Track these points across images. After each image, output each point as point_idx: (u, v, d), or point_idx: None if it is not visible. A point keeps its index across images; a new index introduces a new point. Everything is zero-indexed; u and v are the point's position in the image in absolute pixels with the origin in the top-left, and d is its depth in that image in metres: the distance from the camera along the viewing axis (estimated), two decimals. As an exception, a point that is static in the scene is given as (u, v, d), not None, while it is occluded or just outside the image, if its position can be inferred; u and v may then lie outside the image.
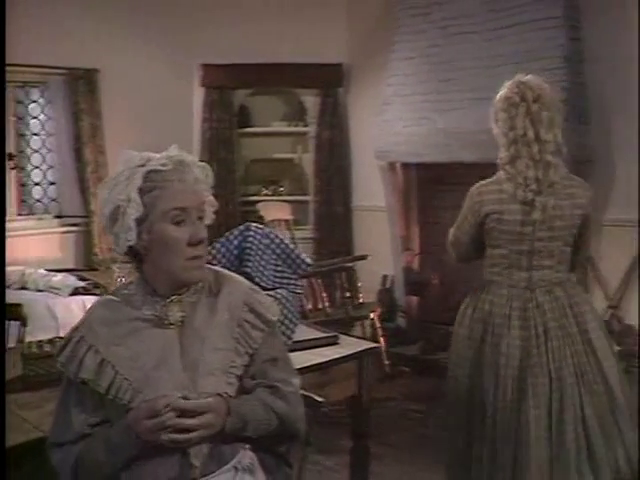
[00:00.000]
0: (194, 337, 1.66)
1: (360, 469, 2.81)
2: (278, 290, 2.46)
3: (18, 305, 3.18)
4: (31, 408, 2.17)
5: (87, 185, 5.22)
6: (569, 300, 2.54)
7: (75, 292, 4.48)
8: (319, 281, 4.68)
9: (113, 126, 5.35)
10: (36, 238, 5.12)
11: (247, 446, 1.72)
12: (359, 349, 2.70)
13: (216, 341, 1.66)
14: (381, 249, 5.69)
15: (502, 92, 2.57)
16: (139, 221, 1.60)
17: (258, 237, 2.54)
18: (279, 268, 2.54)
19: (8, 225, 5.08)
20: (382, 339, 4.79)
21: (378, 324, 4.86)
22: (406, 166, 5.47)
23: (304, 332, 2.73)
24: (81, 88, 5.17)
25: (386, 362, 4.77)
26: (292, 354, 2.53)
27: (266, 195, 6.00)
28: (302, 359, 2.49)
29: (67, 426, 1.65)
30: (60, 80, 5.20)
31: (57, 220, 5.29)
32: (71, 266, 5.12)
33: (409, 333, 5.48)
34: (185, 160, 1.67)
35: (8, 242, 4.86)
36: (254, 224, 2.58)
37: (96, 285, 4.55)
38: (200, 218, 1.67)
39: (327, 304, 4.62)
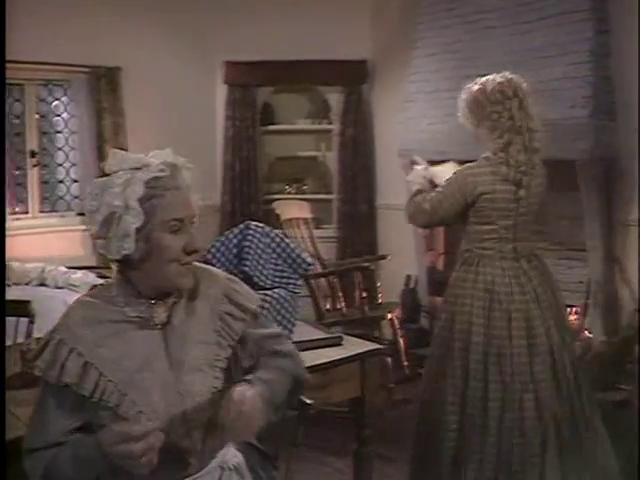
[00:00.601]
0: (178, 335, 1.66)
1: (364, 472, 2.75)
2: (276, 290, 2.41)
3: (27, 302, 3.17)
4: (27, 405, 2.16)
5: (109, 183, 5.21)
6: (544, 268, 2.92)
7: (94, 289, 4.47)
8: (335, 280, 4.62)
9: (135, 124, 5.35)
10: (58, 235, 5.15)
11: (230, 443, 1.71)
12: (362, 350, 2.64)
13: (199, 336, 1.67)
14: (405, 248, 5.60)
15: (492, 86, 2.90)
16: (136, 229, 1.58)
17: (258, 236, 2.50)
18: (279, 267, 2.49)
19: (29, 222, 5.15)
20: (401, 340, 4.70)
21: (397, 324, 4.76)
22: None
23: (307, 332, 2.68)
24: (103, 86, 5.19)
25: (405, 363, 4.68)
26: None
27: (289, 193, 5.96)
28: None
29: (42, 432, 1.61)
30: (83, 78, 5.22)
31: (79, 218, 5.31)
32: (93, 264, 5.14)
33: (432, 334, 5.38)
34: (177, 164, 1.65)
35: (27, 239, 4.92)
36: (254, 222, 2.54)
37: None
38: (192, 224, 1.67)
39: (343, 304, 4.55)
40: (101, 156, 5.22)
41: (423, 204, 2.91)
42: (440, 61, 5.04)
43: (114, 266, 1.71)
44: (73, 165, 5.39)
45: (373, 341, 4.14)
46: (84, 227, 5.30)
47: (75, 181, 5.43)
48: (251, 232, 2.48)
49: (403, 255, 5.59)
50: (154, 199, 1.58)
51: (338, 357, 2.57)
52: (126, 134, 5.30)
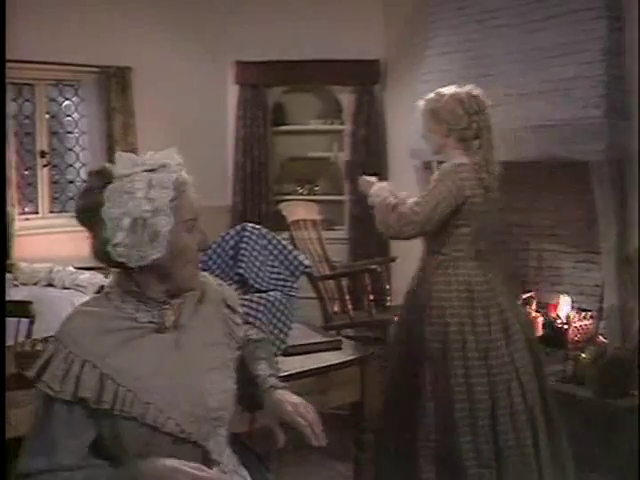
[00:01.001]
0: (190, 337, 1.64)
1: (365, 476, 2.70)
2: (271, 293, 2.36)
3: (28, 302, 3.17)
4: (22, 406, 2.14)
5: (119, 183, 5.20)
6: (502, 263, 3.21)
7: (100, 290, 4.46)
8: (343, 283, 4.56)
9: (146, 124, 5.34)
10: (68, 236, 5.13)
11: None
12: (360, 354, 2.59)
13: (212, 338, 1.68)
14: (418, 251, 5.52)
15: (468, 97, 3.00)
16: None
17: (254, 238, 2.45)
18: (275, 269, 2.45)
19: (39, 222, 5.15)
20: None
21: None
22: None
23: (305, 336, 2.64)
24: (113, 86, 5.18)
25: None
26: (290, 358, 2.47)
27: (301, 194, 5.92)
28: (300, 363, 2.43)
29: (49, 453, 1.50)
30: (93, 78, 5.23)
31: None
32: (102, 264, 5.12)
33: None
34: (181, 163, 1.62)
35: (37, 239, 4.92)
36: (250, 224, 2.49)
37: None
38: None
39: (351, 307, 4.49)
40: (111, 157, 5.19)
41: (412, 216, 2.90)
42: (452, 61, 4.96)
43: (116, 273, 1.62)
44: (83, 165, 5.38)
45: (380, 344, 4.13)
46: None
47: (85, 182, 5.40)
48: (247, 234, 2.44)
49: (415, 257, 5.51)
50: (176, 200, 1.56)
51: (337, 361, 2.52)
52: (136, 134, 5.29)
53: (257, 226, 2.49)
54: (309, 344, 2.54)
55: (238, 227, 2.48)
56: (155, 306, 1.60)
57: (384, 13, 5.73)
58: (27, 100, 5.13)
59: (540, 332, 4.92)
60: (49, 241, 4.97)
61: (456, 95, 3.01)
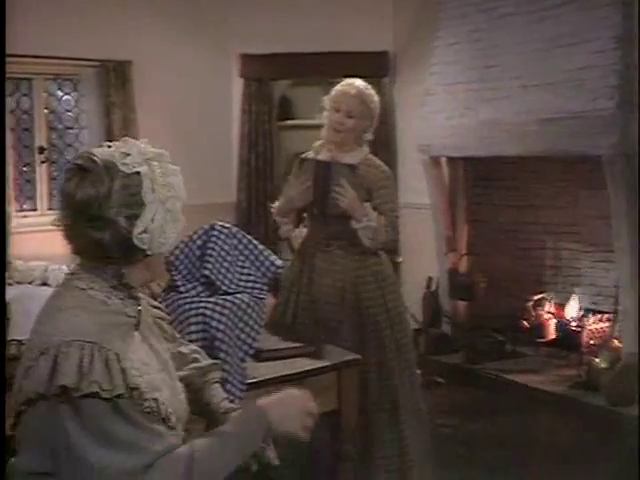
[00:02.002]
0: (152, 332, 1.62)
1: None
2: (237, 295, 2.21)
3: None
4: None
5: (117, 180, 5.11)
6: None
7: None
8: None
9: (147, 119, 5.21)
10: (66, 233, 5.05)
11: None
12: (337, 361, 2.43)
13: (157, 335, 1.66)
14: (428, 249, 5.36)
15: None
16: None
17: (222, 237, 2.31)
18: (245, 270, 2.30)
19: (37, 220, 5.06)
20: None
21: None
22: (452, 161, 5.13)
23: (278, 341, 2.49)
24: (113, 80, 5.06)
25: (417, 371, 4.41)
26: (262, 364, 2.32)
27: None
28: (271, 370, 2.31)
29: (137, 451, 1.38)
30: (92, 72, 5.12)
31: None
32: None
33: (454, 340, 5.13)
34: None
35: (36, 236, 4.82)
36: (220, 223, 2.34)
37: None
38: None
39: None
40: (110, 152, 5.12)
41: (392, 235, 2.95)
42: (460, 51, 4.80)
43: (93, 270, 1.50)
44: (84, 161, 5.28)
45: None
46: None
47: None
48: (215, 233, 2.30)
49: (425, 256, 5.34)
50: None
51: (312, 367, 2.37)
52: (137, 129, 5.16)
53: (227, 225, 2.34)
54: (280, 349, 2.39)
55: (206, 226, 2.34)
56: (135, 301, 1.56)
57: (392, 4, 5.55)
58: (25, 95, 5.03)
59: (552, 335, 4.75)
60: (47, 238, 4.86)
61: (365, 86, 3.13)
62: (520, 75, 4.34)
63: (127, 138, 1.56)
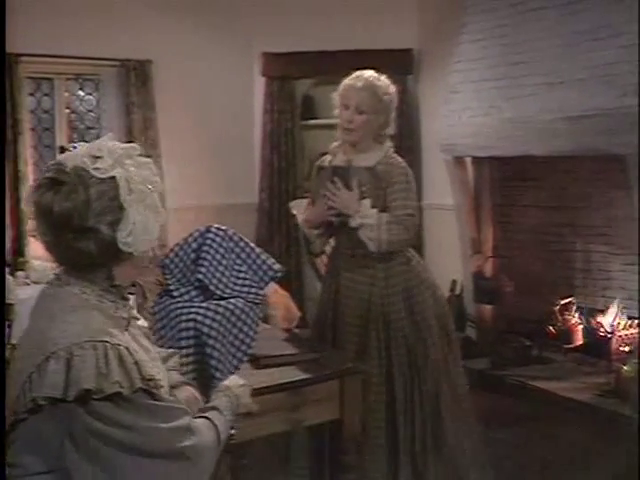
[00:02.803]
0: (138, 330, 1.59)
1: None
2: (231, 300, 2.13)
3: (9, 305, 3.05)
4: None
5: (137, 179, 5.09)
6: None
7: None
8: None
9: (168, 119, 5.19)
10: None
11: None
12: (339, 368, 2.33)
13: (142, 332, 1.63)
14: (453, 252, 5.23)
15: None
16: None
17: (218, 240, 2.23)
18: (241, 275, 2.22)
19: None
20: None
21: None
22: (477, 161, 4.98)
23: (279, 347, 2.40)
24: (133, 80, 5.04)
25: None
26: (260, 371, 2.24)
27: (330, 191, 5.67)
28: (268, 377, 2.21)
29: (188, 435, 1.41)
30: (113, 72, 5.10)
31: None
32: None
33: (479, 345, 5.00)
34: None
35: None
36: (216, 225, 2.27)
37: (132, 284, 4.38)
38: None
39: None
40: (130, 152, 5.10)
41: (415, 220, 2.79)
42: (486, 47, 4.66)
43: (79, 277, 1.46)
44: (105, 161, 5.26)
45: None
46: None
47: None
48: (211, 236, 2.22)
49: (450, 259, 5.22)
50: None
51: (311, 375, 2.27)
52: (157, 129, 5.15)
53: (223, 227, 2.26)
54: (278, 356, 2.30)
55: (202, 228, 2.26)
56: (125, 302, 1.54)
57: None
58: (46, 95, 5.04)
59: (580, 340, 4.60)
60: (67, 239, 4.87)
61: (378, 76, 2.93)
62: (547, 71, 4.18)
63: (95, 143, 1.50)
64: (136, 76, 5.05)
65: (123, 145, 1.49)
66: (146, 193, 1.46)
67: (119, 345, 1.37)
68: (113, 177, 1.42)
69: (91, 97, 5.24)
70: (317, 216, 2.83)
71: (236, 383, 1.70)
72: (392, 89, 2.82)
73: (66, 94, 5.11)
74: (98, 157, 1.43)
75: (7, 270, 4.13)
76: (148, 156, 4.95)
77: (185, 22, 5.27)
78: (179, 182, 5.21)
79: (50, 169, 1.45)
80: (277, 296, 4.94)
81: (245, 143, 5.64)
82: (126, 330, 1.51)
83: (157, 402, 1.39)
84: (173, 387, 1.66)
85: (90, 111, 5.25)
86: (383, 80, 2.80)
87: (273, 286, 4.90)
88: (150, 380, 1.38)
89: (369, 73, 2.81)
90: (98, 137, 5.24)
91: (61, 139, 5.06)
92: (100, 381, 1.31)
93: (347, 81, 2.82)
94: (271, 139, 5.57)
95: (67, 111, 5.13)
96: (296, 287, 5.33)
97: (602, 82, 3.82)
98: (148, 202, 1.46)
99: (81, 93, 5.22)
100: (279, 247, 5.51)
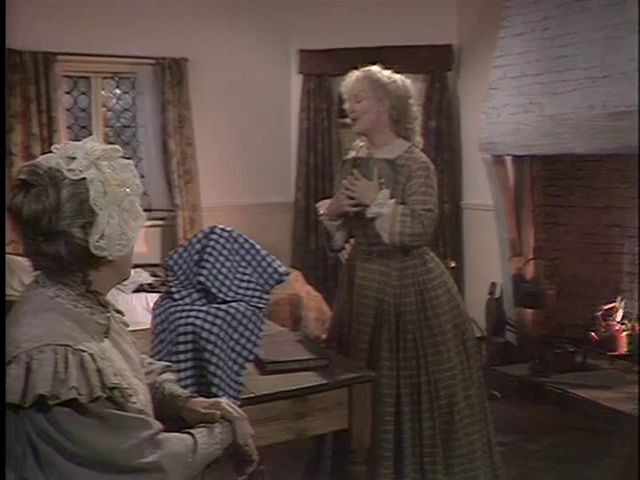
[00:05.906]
0: (121, 338, 1.53)
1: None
2: (233, 304, 2.04)
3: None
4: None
5: (173, 177, 5.08)
6: None
7: (140, 289, 4.34)
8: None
9: (203, 117, 5.17)
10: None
11: None
12: (348, 376, 2.23)
13: (126, 340, 1.56)
14: (492, 253, 5.06)
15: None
16: None
17: (222, 241, 2.14)
18: (246, 277, 2.13)
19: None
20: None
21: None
22: (517, 159, 4.80)
23: (287, 352, 2.31)
24: (168, 78, 5.03)
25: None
26: (266, 377, 2.16)
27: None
28: (271, 384, 2.13)
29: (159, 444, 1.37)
30: (149, 70, 5.09)
31: (145, 214, 5.17)
32: (156, 261, 4.99)
33: (519, 350, 4.82)
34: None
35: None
36: (221, 226, 2.18)
37: (164, 283, 4.36)
38: None
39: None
40: (165, 150, 5.09)
41: (432, 219, 2.64)
42: (527, 41, 4.47)
43: (56, 280, 1.40)
44: (140, 160, 5.25)
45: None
46: (149, 223, 5.20)
47: (142, 176, 5.31)
48: (214, 237, 2.13)
49: (489, 260, 5.05)
50: None
51: (317, 383, 2.18)
52: (192, 127, 5.12)
53: (228, 228, 2.17)
54: (285, 362, 2.21)
55: (206, 229, 2.18)
56: (103, 308, 1.47)
57: (457, -8, 5.26)
58: (83, 93, 5.06)
59: (624, 347, 4.38)
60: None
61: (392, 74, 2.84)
62: (590, 65, 3.99)
63: (66, 142, 1.44)
64: (172, 74, 5.04)
65: (103, 147, 1.43)
66: (122, 196, 1.40)
67: (83, 351, 1.30)
68: (85, 178, 1.36)
69: (127, 95, 5.26)
70: (336, 207, 2.75)
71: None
72: (399, 77, 2.76)
73: (102, 92, 5.14)
74: (73, 158, 1.38)
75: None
76: (184, 153, 4.87)
77: (221, 20, 5.23)
78: (213, 180, 5.18)
79: (23, 171, 1.39)
80: (309, 298, 4.89)
81: (281, 141, 5.57)
82: (106, 336, 1.45)
83: (120, 412, 1.31)
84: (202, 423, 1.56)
85: (126, 109, 5.26)
86: (387, 73, 2.76)
87: (306, 288, 4.87)
88: (114, 389, 1.30)
89: (374, 67, 2.78)
90: (134, 135, 5.21)
91: (97, 137, 5.06)
92: (57, 386, 1.25)
93: (348, 74, 2.82)
94: (307, 137, 5.51)
95: (103, 109, 5.15)
96: (331, 287, 5.24)
97: (647, 76, 3.62)
98: (125, 205, 1.41)
99: (117, 91, 5.24)
100: (316, 246, 5.42)
